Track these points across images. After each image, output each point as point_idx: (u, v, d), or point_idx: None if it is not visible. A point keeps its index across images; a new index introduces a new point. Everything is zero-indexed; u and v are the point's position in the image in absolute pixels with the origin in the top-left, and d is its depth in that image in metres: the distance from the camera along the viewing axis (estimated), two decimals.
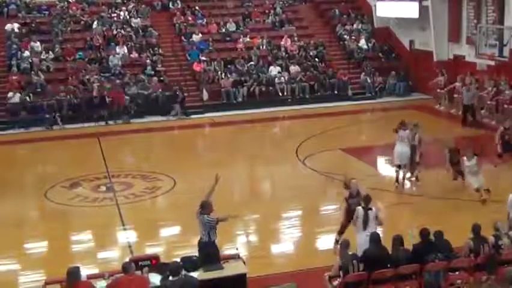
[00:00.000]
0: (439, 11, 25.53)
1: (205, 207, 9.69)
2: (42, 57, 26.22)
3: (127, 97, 24.58)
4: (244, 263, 9.65)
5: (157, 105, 25.04)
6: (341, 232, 11.26)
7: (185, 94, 25.34)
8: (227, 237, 11.63)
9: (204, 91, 25.77)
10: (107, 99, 24.32)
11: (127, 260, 9.28)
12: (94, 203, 15.02)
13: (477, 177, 13.79)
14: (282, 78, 26.67)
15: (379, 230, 10.14)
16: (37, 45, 26.60)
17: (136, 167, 18.34)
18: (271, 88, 26.40)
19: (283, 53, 28.15)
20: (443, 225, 10.57)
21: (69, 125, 23.47)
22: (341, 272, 8.91)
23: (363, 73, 27.76)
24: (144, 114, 24.78)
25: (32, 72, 25.06)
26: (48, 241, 12.99)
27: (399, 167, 14.90)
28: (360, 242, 10.00)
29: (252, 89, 26.13)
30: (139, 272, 8.79)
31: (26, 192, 16.38)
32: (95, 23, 28.15)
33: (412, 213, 13.59)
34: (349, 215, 10.96)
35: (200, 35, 28.50)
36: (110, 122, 24.03)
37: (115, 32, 28.03)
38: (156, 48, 27.70)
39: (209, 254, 9.51)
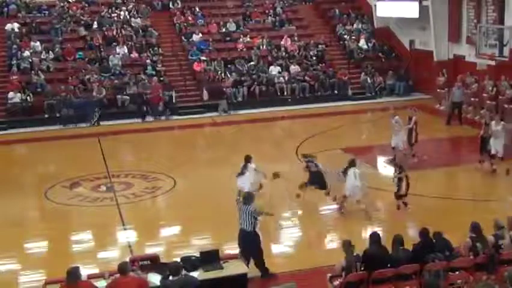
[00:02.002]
0: (439, 11, 25.53)
1: (249, 198, 10.33)
2: (42, 57, 26.23)
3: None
4: (244, 263, 9.65)
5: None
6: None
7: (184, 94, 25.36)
8: (227, 237, 11.64)
9: (204, 91, 25.76)
10: (144, 97, 24.66)
11: (127, 259, 9.28)
12: (94, 203, 15.01)
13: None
14: (282, 78, 26.68)
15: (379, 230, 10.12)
16: (37, 45, 26.63)
17: (136, 166, 18.33)
18: (271, 88, 26.41)
19: (283, 53, 28.14)
20: (443, 225, 10.57)
21: (105, 122, 23.97)
22: (343, 273, 8.90)
23: (363, 73, 27.77)
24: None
25: (32, 72, 25.07)
26: (49, 241, 12.99)
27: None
28: None
29: (252, 89, 26.15)
30: (139, 272, 8.78)
31: (26, 192, 16.38)
32: (93, 24, 28.27)
33: (412, 212, 13.56)
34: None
35: (200, 35, 28.51)
36: (150, 119, 24.42)
37: (115, 32, 28.04)
38: (156, 48, 27.70)
39: (251, 243, 10.08)
